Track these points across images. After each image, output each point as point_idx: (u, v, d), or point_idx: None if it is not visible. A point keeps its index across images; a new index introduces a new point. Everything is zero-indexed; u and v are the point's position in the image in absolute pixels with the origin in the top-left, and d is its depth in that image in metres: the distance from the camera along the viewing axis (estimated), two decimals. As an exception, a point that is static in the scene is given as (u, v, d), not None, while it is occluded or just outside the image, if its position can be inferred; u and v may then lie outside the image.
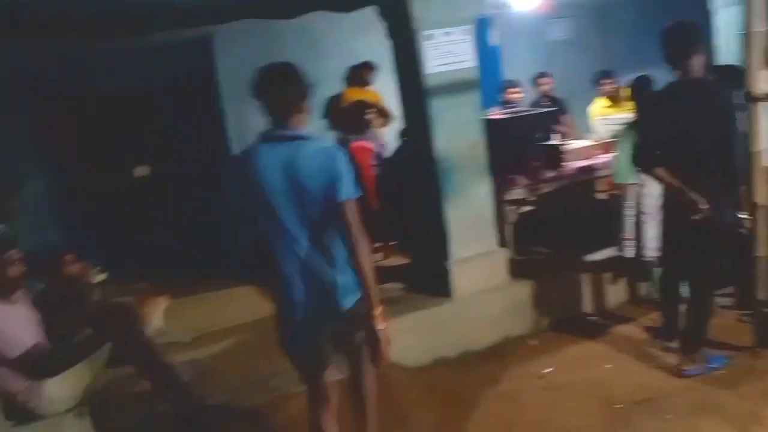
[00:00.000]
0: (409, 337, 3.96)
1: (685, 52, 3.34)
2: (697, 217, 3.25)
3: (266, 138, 2.51)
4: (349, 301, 2.50)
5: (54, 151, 6.15)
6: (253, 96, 2.49)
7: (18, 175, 3.65)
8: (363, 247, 2.42)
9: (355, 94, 6.04)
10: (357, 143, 5.00)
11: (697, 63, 3.34)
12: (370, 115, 5.27)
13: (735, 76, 4.02)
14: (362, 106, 5.28)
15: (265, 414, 3.50)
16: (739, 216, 3.41)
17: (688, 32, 3.39)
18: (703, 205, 3.24)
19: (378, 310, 2.44)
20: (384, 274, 4.64)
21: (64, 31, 4.95)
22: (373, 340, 2.45)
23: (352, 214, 2.42)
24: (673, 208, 3.50)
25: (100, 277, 3.59)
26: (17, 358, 3.00)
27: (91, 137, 6.63)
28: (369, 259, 2.46)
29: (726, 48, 5.70)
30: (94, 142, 6.68)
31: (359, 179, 3.83)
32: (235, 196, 2.54)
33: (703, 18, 5.94)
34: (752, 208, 3.52)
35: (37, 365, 3.05)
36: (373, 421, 2.77)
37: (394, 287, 4.45)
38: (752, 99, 3.44)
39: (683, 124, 3.33)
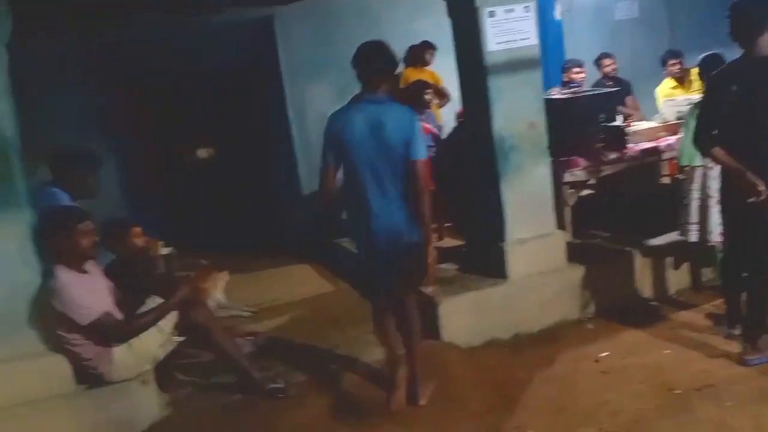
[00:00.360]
0: (463, 317, 3.98)
1: (752, 30, 3.23)
2: (754, 199, 3.15)
3: (357, 100, 3.24)
4: (411, 237, 3.17)
5: (124, 131, 6.40)
6: (352, 66, 3.20)
7: (98, 155, 3.82)
8: (425, 196, 3.13)
9: (414, 75, 6.05)
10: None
11: (764, 41, 3.22)
12: (429, 96, 5.25)
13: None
14: (421, 86, 5.27)
15: (320, 387, 3.58)
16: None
17: (756, 9, 3.27)
18: (761, 188, 3.13)
19: (431, 243, 3.20)
20: (438, 255, 4.69)
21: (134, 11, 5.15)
22: (425, 262, 3.16)
23: (420, 169, 3.13)
24: (731, 191, 3.39)
25: (166, 250, 3.73)
26: (89, 325, 3.16)
27: (159, 118, 6.87)
28: (429, 205, 3.15)
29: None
30: (163, 122, 6.93)
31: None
32: (331, 145, 3.20)
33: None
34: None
35: (108, 332, 3.22)
36: (417, 330, 3.40)
37: (448, 268, 4.45)
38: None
39: (745, 103, 3.23)
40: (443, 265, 4.45)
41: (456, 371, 3.69)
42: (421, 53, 6.35)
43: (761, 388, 3.22)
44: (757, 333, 3.45)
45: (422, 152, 3.12)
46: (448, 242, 5.19)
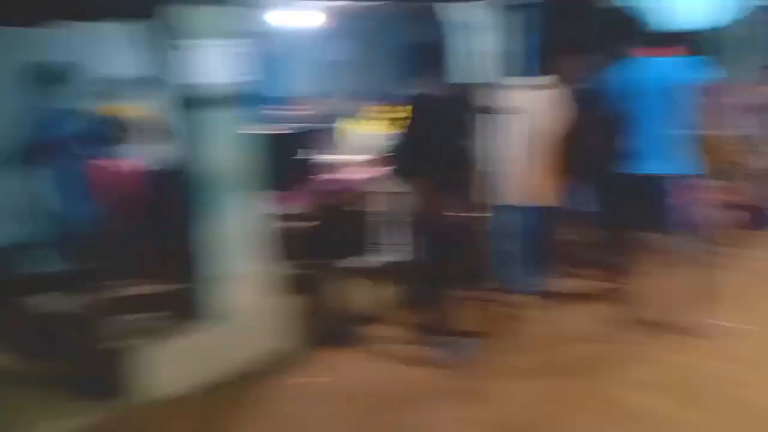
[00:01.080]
0: (169, 365, 3.74)
1: (430, 70, 3.83)
2: (433, 218, 3.59)
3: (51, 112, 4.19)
4: None
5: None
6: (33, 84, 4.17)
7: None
8: None
9: (113, 109, 5.71)
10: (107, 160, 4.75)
11: (437, 80, 3.78)
12: (122, 132, 5.00)
13: (472, 92, 4.48)
14: (112, 124, 5.00)
15: None
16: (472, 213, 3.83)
17: (432, 53, 3.82)
18: (439, 208, 3.57)
19: None
20: (144, 303, 4.39)
21: None
22: None
23: None
24: (422, 213, 3.90)
25: None
26: None
27: None
28: None
29: (469, 67, 6.22)
30: None
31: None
32: None
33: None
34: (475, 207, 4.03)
35: None
36: None
37: (154, 315, 4.16)
38: (482, 111, 3.99)
39: (430, 135, 3.75)
40: (143, 314, 4.16)
41: (161, 425, 3.47)
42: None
43: (460, 386, 3.66)
44: (445, 337, 3.97)
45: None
46: (156, 288, 4.86)
